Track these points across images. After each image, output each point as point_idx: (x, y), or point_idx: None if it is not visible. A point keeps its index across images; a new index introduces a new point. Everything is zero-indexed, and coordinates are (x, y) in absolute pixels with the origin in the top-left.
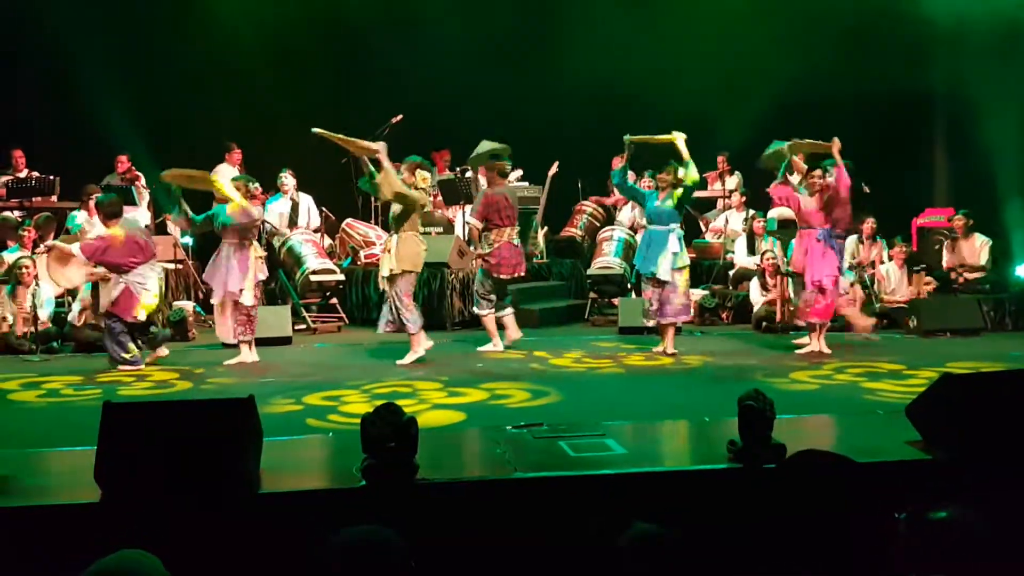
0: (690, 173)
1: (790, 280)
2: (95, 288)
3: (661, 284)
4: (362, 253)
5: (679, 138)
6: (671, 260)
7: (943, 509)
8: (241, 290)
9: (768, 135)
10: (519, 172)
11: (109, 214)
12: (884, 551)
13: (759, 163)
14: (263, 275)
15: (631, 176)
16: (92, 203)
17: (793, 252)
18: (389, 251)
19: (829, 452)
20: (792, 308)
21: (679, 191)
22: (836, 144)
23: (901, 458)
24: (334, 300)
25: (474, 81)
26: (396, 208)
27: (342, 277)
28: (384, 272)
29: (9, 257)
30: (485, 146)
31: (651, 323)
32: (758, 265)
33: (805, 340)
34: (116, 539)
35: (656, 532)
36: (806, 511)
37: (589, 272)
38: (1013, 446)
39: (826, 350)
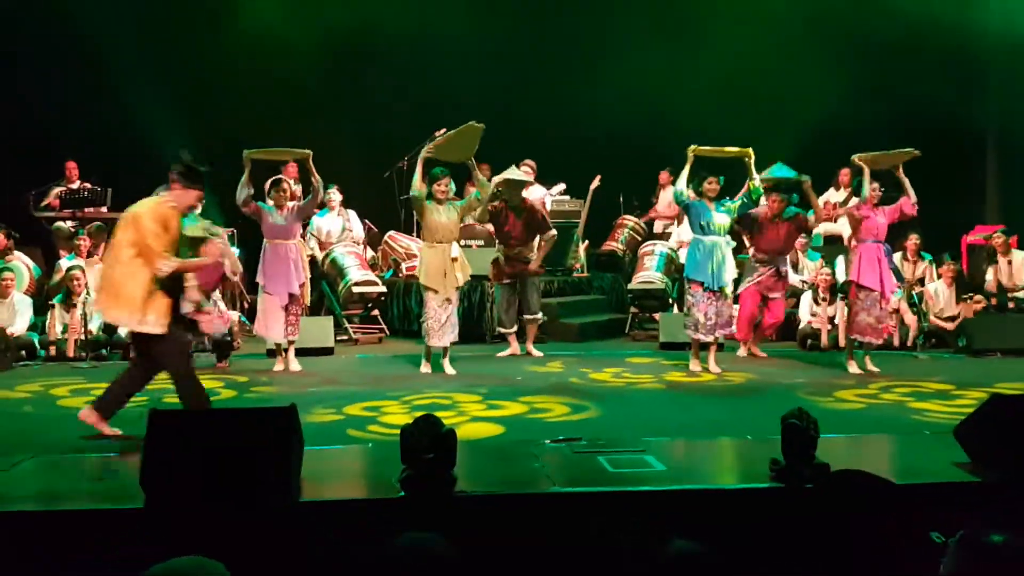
0: (757, 187)
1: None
2: None
3: (721, 297)
4: (404, 265)
5: (751, 155)
6: (732, 272)
7: (999, 533)
8: (302, 286)
9: (810, 155)
10: (562, 186)
11: None
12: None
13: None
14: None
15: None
16: None
17: (856, 265)
18: None
19: (869, 473)
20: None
21: (736, 203)
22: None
23: (948, 479)
24: (376, 312)
25: (516, 96)
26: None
27: (384, 289)
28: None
29: (65, 265)
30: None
31: (708, 338)
32: (804, 282)
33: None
34: (160, 545)
35: (695, 550)
36: (843, 531)
37: (630, 287)
38: None
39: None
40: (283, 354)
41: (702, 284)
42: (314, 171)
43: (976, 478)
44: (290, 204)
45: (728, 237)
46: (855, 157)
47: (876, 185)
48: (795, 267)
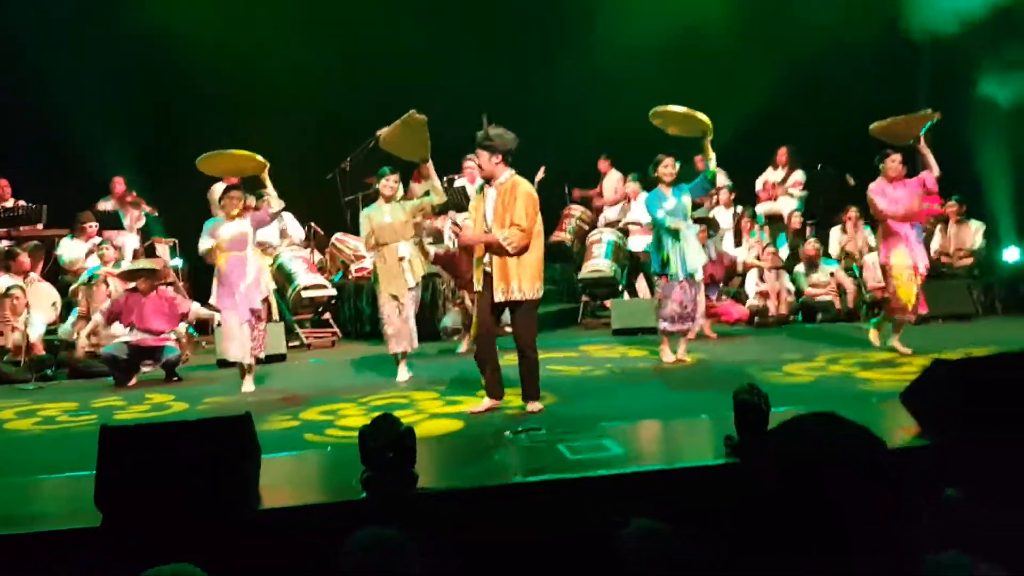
0: (712, 170)
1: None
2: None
3: (693, 285)
4: (352, 267)
5: (710, 131)
6: (699, 257)
7: (951, 488)
8: (264, 300)
9: (754, 128)
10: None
11: None
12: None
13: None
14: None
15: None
16: (90, 231)
17: (882, 245)
18: None
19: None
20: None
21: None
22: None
23: (898, 445)
24: (327, 315)
25: (458, 90)
26: None
27: (334, 292)
28: None
29: (2, 285)
30: None
31: (681, 328)
32: (756, 257)
33: (897, 344)
34: (119, 563)
35: (654, 527)
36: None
37: (580, 276)
38: (1006, 428)
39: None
40: (245, 374)
41: (671, 276)
42: (269, 185)
43: (924, 441)
44: (243, 213)
45: (690, 220)
46: (871, 128)
47: (897, 158)
48: (739, 244)
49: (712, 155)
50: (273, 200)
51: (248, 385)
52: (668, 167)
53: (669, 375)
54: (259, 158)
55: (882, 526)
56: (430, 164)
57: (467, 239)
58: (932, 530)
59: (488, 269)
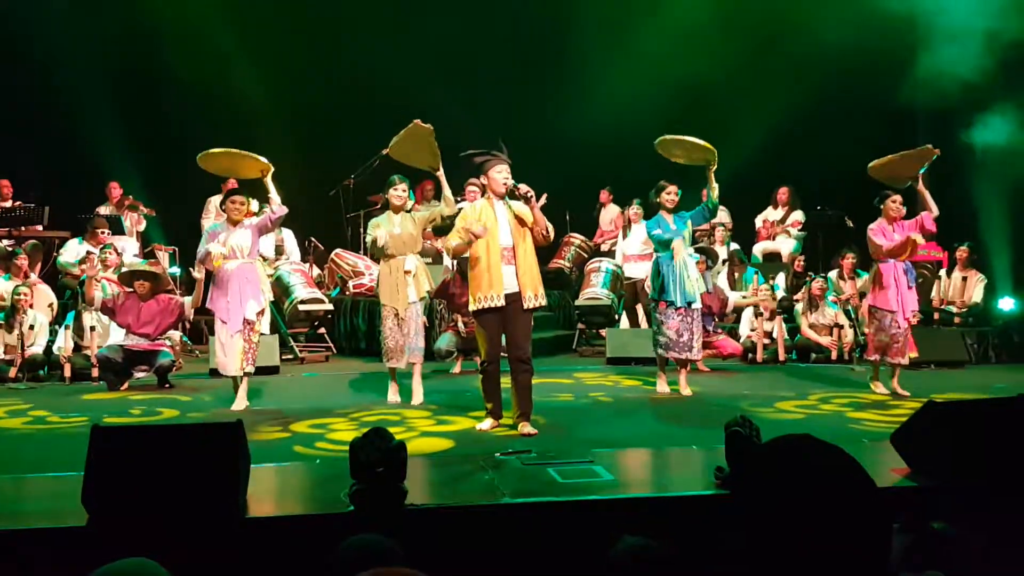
0: (715, 200)
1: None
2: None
3: (691, 313)
4: (351, 283)
5: (715, 160)
6: (699, 285)
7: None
8: (260, 312)
9: (756, 167)
10: None
11: None
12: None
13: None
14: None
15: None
16: (101, 237)
17: (872, 286)
18: None
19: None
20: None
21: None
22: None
23: (887, 484)
24: (322, 330)
25: (461, 114)
26: None
27: (330, 307)
28: None
29: (3, 285)
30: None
31: (678, 357)
32: (744, 297)
33: (879, 386)
34: (103, 563)
35: (645, 543)
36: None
37: (577, 303)
38: (996, 472)
39: (903, 392)
40: (237, 387)
41: (669, 303)
42: (272, 188)
43: (913, 483)
44: (246, 221)
45: (691, 249)
46: (869, 168)
47: (898, 199)
48: (732, 286)
49: (715, 185)
50: (275, 205)
51: (240, 403)
52: (671, 194)
53: (661, 406)
54: (263, 160)
55: (859, 546)
56: (441, 173)
57: (535, 205)
58: (914, 554)
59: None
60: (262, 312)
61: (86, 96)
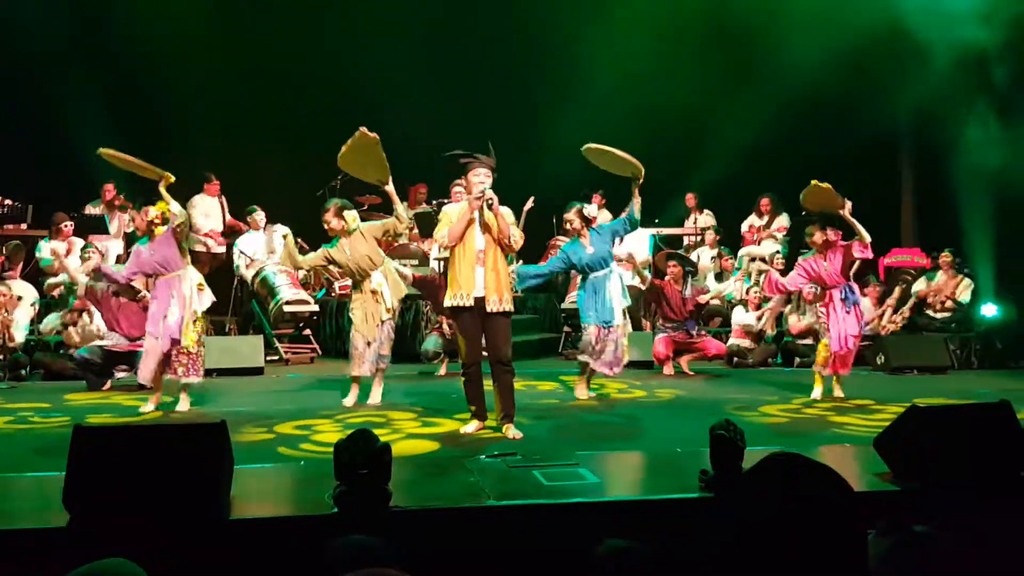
0: (636, 218)
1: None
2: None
3: (611, 332)
4: (336, 284)
5: (641, 176)
6: (620, 303)
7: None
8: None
9: (737, 175)
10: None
11: None
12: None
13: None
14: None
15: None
16: (65, 231)
17: (822, 305)
18: None
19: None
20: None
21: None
22: (848, 206)
23: (869, 488)
24: (307, 331)
25: (451, 116)
26: None
27: (316, 308)
28: None
29: None
30: None
31: (603, 369)
32: (741, 298)
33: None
34: (84, 564)
35: (628, 545)
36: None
37: (563, 306)
38: (977, 476)
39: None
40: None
41: (590, 322)
42: (169, 199)
43: (894, 487)
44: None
45: (613, 264)
46: (800, 201)
47: (829, 232)
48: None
49: (638, 200)
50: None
51: (182, 404)
52: (572, 222)
53: (645, 408)
54: (159, 170)
55: (842, 557)
56: (390, 187)
57: (498, 212)
58: (896, 557)
59: (473, 294)
60: (184, 323)
61: (73, 93)
